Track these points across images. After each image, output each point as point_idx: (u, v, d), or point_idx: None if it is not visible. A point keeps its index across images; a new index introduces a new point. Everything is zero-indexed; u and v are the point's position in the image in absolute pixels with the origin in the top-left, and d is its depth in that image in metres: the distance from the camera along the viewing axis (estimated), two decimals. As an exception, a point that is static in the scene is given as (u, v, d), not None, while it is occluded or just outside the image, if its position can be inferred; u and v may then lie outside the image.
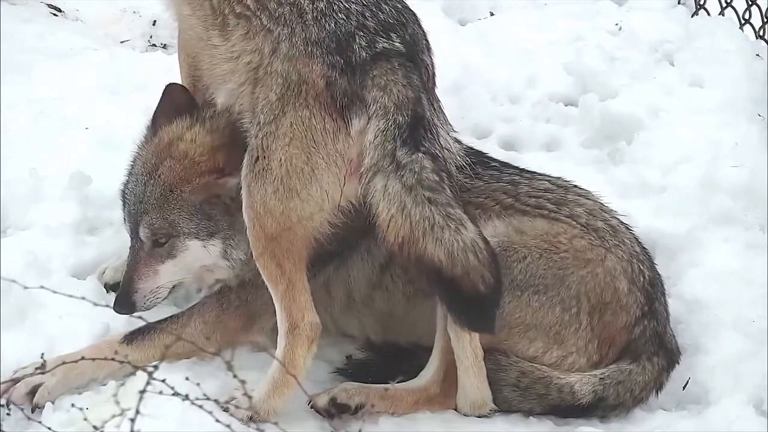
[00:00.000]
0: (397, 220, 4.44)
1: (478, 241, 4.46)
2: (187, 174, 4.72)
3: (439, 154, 4.53)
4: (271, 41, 4.54)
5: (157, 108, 4.91)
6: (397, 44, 4.57)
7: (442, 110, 4.74)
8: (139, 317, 4.32)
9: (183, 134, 4.78)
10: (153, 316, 4.85)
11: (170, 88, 4.92)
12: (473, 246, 4.44)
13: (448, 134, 4.69)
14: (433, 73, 4.73)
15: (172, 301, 5.09)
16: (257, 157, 4.51)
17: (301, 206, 4.50)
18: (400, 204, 4.44)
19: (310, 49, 4.50)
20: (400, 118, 4.49)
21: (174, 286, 4.87)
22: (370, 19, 4.57)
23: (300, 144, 4.48)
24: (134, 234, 4.79)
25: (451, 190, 4.51)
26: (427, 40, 4.75)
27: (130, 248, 4.83)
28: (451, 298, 4.51)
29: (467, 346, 4.66)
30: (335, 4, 4.55)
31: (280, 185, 4.48)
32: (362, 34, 4.53)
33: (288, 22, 4.54)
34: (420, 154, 4.47)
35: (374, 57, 4.52)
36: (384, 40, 4.55)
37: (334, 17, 4.53)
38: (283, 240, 4.51)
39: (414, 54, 4.62)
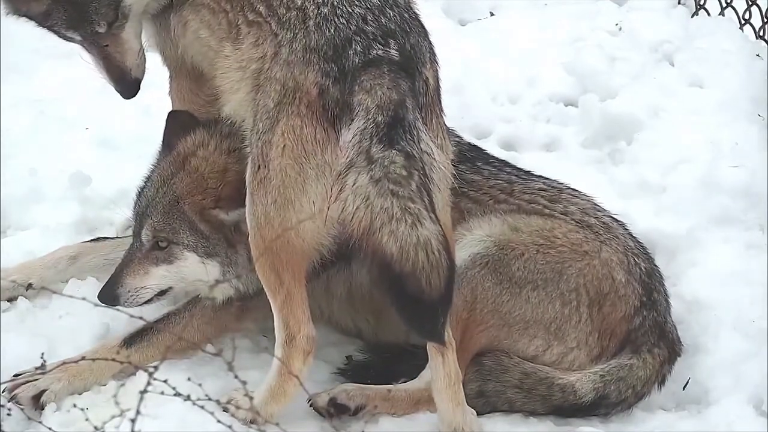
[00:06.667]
0: (360, 212, 4.37)
1: (432, 241, 4.35)
2: (192, 188, 4.76)
3: (416, 155, 4.42)
4: (275, 45, 4.51)
5: (165, 132, 4.96)
6: (393, 52, 4.49)
7: (441, 126, 4.62)
8: (140, 317, 4.34)
9: (196, 150, 4.82)
10: (151, 315, 4.86)
11: (174, 113, 4.97)
12: (426, 244, 4.33)
13: (435, 143, 4.53)
14: (435, 88, 4.63)
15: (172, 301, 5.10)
16: (258, 166, 4.49)
17: (295, 217, 4.44)
18: (365, 196, 4.37)
19: (308, 56, 4.46)
20: (380, 118, 4.41)
21: (163, 292, 4.86)
22: (370, 23, 4.51)
23: (292, 154, 4.44)
24: (137, 234, 4.83)
25: (418, 187, 4.39)
26: (433, 55, 4.66)
27: (128, 248, 4.86)
28: (396, 297, 4.41)
29: (439, 368, 4.56)
30: (338, 8, 4.50)
31: (278, 195, 4.45)
32: (359, 39, 4.47)
33: (292, 26, 4.51)
34: (393, 151, 4.39)
35: (366, 63, 4.46)
36: (380, 46, 4.49)
37: (335, 22, 4.48)
38: (282, 251, 4.47)
39: (411, 65, 4.52)
